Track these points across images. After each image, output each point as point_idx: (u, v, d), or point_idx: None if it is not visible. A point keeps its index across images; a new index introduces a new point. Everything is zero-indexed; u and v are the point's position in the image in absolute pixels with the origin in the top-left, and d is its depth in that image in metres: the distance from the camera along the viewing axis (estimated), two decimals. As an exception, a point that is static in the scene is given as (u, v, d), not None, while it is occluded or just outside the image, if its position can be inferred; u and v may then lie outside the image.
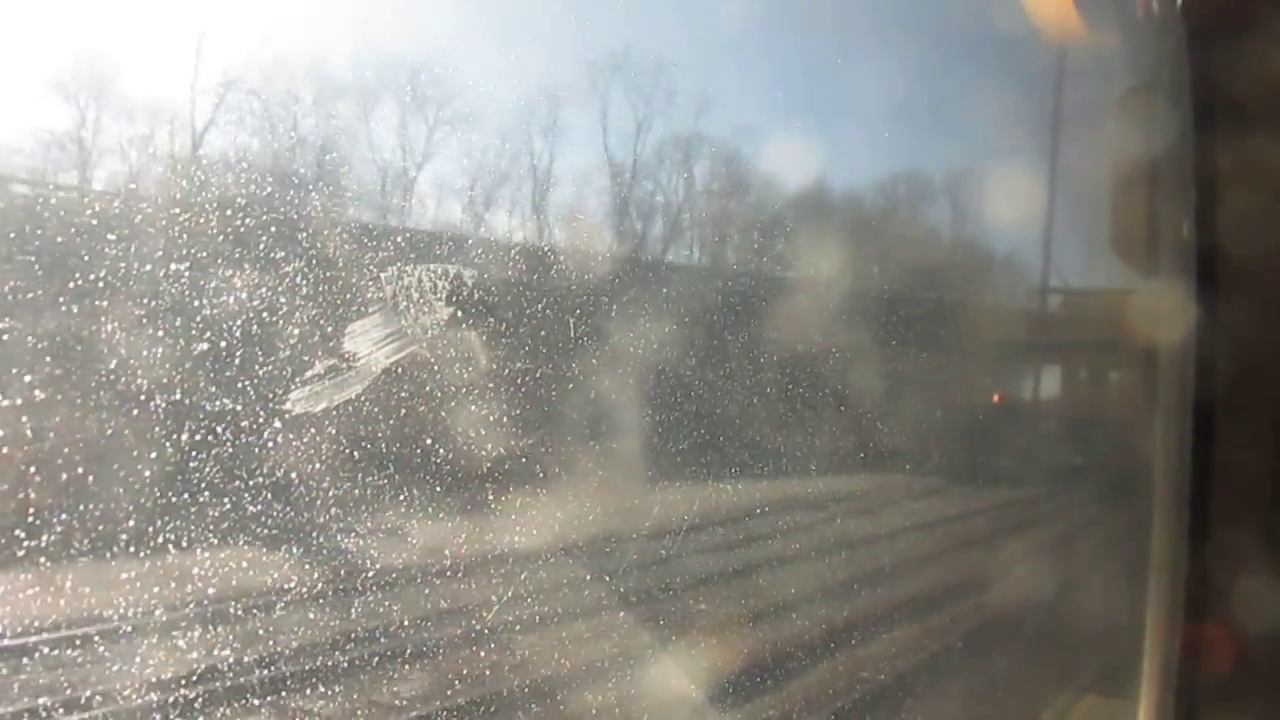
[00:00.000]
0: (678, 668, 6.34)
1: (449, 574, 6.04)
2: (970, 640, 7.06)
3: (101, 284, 3.63)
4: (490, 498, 5.50)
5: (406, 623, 5.95)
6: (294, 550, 4.91)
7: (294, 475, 4.28)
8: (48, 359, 3.44)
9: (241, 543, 4.51)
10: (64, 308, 3.44)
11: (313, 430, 4.30)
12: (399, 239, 5.01)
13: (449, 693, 5.81)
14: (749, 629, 7.16)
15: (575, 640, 6.72)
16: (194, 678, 4.65)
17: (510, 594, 6.35)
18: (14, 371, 3.29)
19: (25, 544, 3.48)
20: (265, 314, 3.98)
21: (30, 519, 3.50)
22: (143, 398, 3.70)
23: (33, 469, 3.55)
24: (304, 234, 4.30)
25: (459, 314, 5.06)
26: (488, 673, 6.04)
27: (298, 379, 4.14)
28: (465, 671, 5.99)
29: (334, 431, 4.39)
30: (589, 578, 6.97)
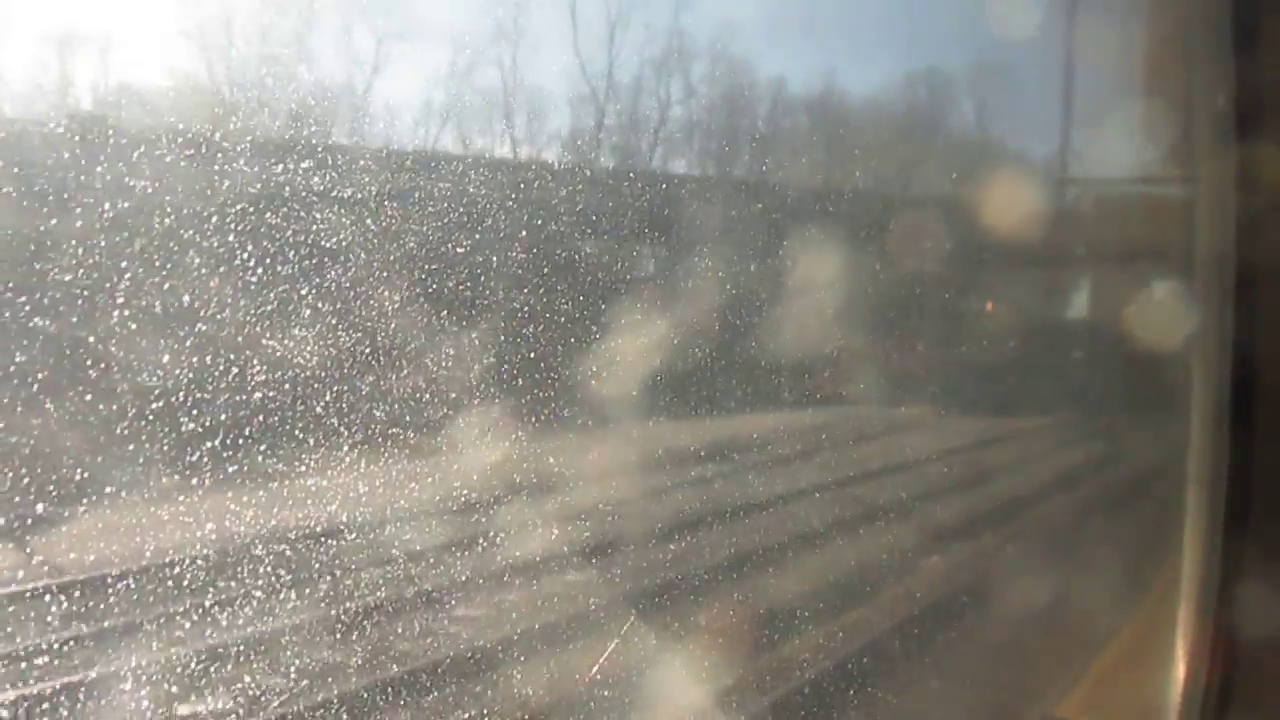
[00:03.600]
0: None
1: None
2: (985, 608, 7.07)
3: (44, 209, 3.65)
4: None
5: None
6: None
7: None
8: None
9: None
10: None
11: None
12: (363, 159, 4.88)
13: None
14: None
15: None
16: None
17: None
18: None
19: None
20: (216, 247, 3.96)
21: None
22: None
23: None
24: (266, 156, 4.24)
25: (439, 241, 5.00)
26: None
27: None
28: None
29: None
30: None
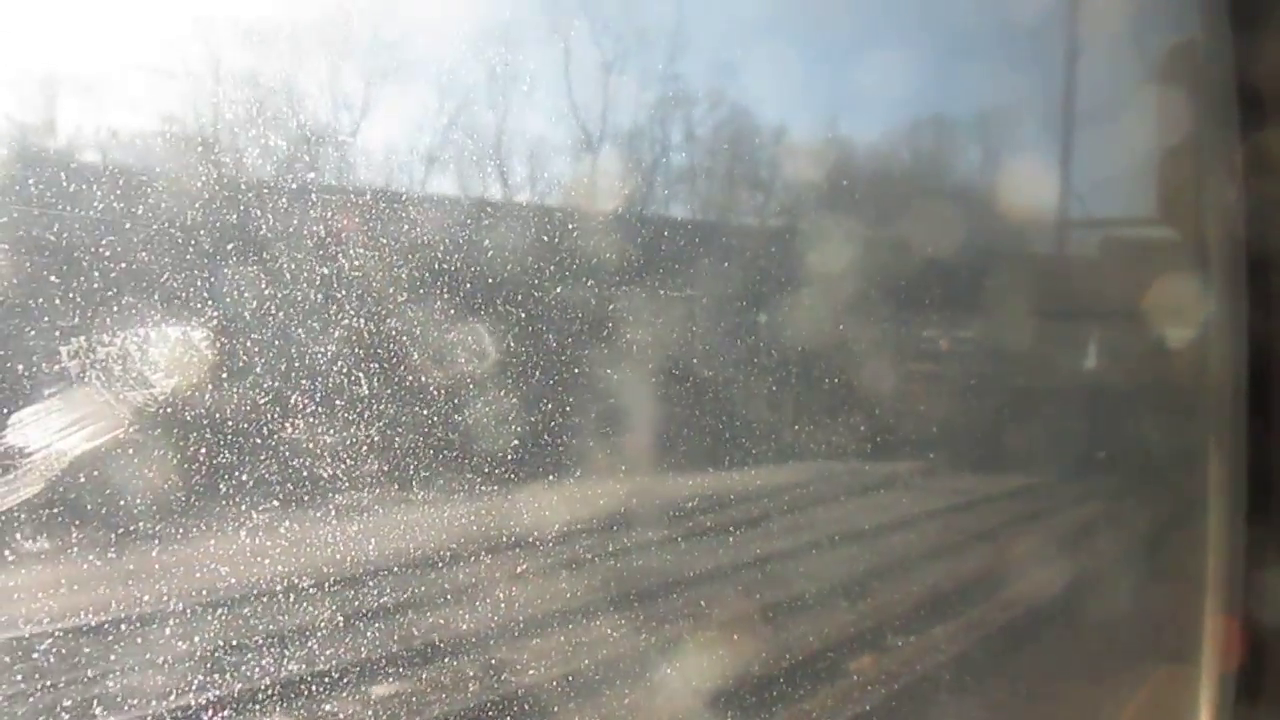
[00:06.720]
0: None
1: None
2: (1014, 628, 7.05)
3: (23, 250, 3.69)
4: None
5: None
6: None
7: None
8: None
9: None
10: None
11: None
12: (337, 202, 4.87)
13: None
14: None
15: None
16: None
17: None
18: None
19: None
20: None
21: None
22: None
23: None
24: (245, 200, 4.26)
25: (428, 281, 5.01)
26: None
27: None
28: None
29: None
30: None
